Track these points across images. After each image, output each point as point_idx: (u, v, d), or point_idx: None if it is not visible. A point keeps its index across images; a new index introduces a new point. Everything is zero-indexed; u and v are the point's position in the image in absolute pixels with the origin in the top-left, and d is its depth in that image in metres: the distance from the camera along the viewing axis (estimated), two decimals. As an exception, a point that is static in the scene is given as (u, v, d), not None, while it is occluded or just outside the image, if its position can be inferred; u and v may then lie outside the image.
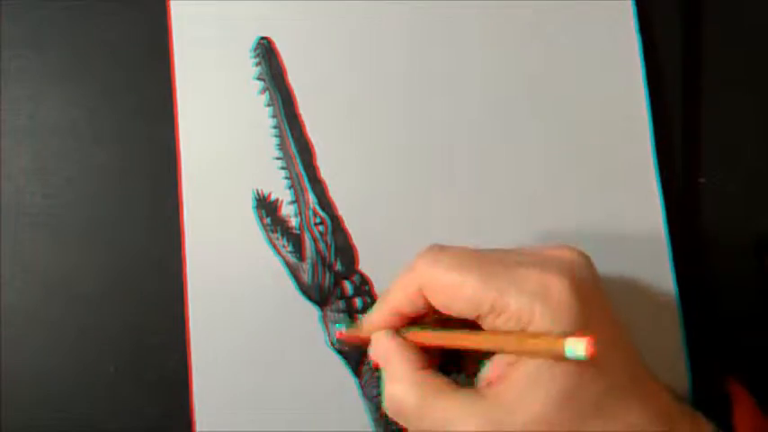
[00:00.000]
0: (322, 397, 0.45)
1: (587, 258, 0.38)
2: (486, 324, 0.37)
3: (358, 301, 0.46)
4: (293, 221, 0.47)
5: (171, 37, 0.48)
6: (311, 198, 0.47)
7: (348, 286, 0.46)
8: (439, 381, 0.37)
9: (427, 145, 0.48)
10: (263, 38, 0.48)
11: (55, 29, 0.49)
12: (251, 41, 0.48)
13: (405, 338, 0.40)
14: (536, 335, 0.34)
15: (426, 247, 0.39)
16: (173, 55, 0.48)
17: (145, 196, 0.47)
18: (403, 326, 0.41)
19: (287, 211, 0.47)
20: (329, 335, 0.46)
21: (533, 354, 0.34)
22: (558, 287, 0.35)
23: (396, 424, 0.42)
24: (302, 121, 0.47)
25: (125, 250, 0.47)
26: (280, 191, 0.47)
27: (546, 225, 0.47)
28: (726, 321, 0.47)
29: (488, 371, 0.37)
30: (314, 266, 0.46)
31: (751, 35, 0.51)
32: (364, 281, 0.46)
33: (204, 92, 0.48)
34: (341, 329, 0.45)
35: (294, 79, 0.48)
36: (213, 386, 0.45)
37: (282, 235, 0.46)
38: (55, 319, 0.47)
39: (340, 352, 0.46)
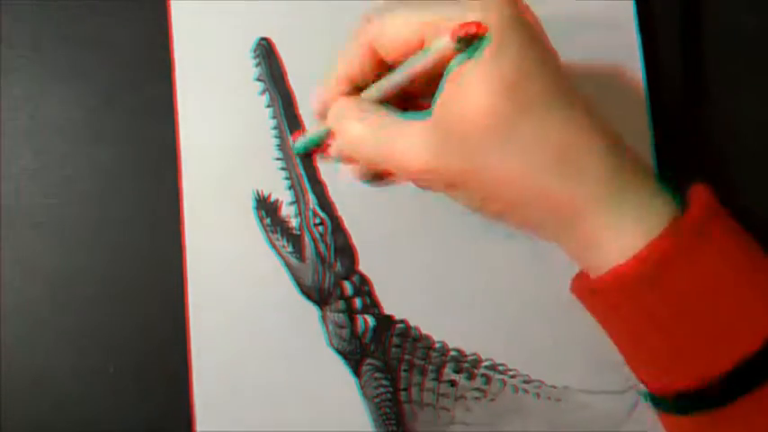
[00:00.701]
0: (322, 397, 0.46)
1: None
2: None
3: (358, 302, 0.46)
4: (293, 222, 0.47)
5: (171, 37, 0.48)
6: (311, 199, 0.47)
7: (348, 286, 0.46)
8: (391, 114, 0.38)
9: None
10: (263, 39, 0.48)
11: (55, 29, 0.49)
12: (251, 42, 0.48)
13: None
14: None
15: None
16: (173, 55, 0.48)
17: (145, 196, 0.48)
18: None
19: (287, 211, 0.47)
20: (329, 335, 0.46)
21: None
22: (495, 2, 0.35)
23: (393, 418, 0.43)
24: (302, 122, 0.47)
25: (125, 250, 0.47)
26: (280, 192, 0.47)
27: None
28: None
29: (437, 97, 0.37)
30: (314, 267, 0.46)
31: (751, 35, 0.51)
32: (364, 281, 0.46)
33: (205, 93, 0.48)
34: (301, 140, 0.46)
35: (294, 80, 0.48)
36: (213, 386, 0.45)
37: (282, 235, 0.46)
38: (55, 319, 0.47)
39: (340, 352, 0.46)
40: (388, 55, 0.38)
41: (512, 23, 0.35)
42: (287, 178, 0.47)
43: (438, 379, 0.46)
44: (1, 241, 0.47)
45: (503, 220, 0.38)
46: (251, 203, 0.47)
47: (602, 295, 0.36)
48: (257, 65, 0.48)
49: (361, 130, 0.38)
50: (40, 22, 0.49)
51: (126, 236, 0.47)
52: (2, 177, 0.48)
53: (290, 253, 0.46)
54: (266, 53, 0.48)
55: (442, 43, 0.35)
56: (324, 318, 0.46)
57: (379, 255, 0.47)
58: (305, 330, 0.46)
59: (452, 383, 0.46)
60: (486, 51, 0.34)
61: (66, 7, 0.49)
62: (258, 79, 0.48)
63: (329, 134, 0.41)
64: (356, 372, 0.46)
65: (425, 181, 0.38)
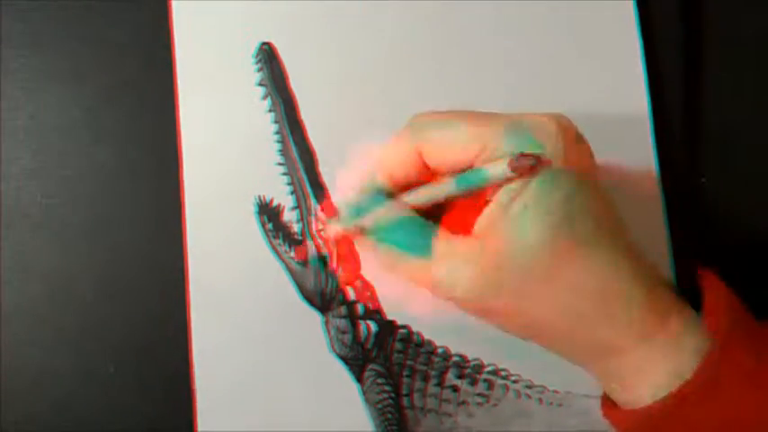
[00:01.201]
0: (324, 402, 0.46)
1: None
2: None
3: (360, 307, 0.46)
4: (295, 227, 0.47)
5: (173, 40, 0.48)
6: (313, 204, 0.47)
7: (350, 292, 0.46)
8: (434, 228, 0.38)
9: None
10: (264, 43, 0.48)
11: (55, 29, 0.48)
12: (253, 46, 0.48)
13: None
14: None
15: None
16: (174, 57, 0.47)
17: (145, 197, 0.47)
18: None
19: (289, 216, 0.47)
20: (331, 340, 0.46)
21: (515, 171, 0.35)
22: (552, 126, 0.36)
23: (395, 424, 0.43)
24: (304, 127, 0.47)
25: (125, 250, 0.47)
26: (282, 197, 0.47)
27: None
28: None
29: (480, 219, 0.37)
30: (316, 272, 0.46)
31: (751, 35, 0.50)
32: (366, 287, 0.46)
33: (206, 97, 0.48)
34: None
35: (296, 85, 0.48)
36: (215, 390, 0.45)
37: (284, 241, 0.46)
38: (55, 319, 0.47)
39: (342, 357, 0.46)
40: (435, 164, 0.38)
41: (567, 158, 0.36)
42: (289, 183, 0.47)
43: (440, 384, 0.46)
44: (1, 241, 0.47)
45: (532, 342, 0.39)
46: (253, 208, 0.47)
47: (631, 426, 0.37)
48: (259, 69, 0.48)
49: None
50: (40, 22, 0.48)
51: (126, 236, 0.47)
52: (2, 177, 0.47)
53: (292, 258, 0.46)
54: (268, 57, 0.48)
55: (499, 171, 0.35)
56: (326, 323, 0.46)
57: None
58: (307, 336, 0.46)
59: (455, 389, 0.46)
60: (539, 186, 0.35)
61: (66, 7, 0.48)
62: (260, 84, 0.47)
63: (360, 228, 0.41)
64: (358, 377, 0.46)
65: (461, 306, 0.38)
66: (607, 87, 0.49)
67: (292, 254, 0.46)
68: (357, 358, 0.46)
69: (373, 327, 0.46)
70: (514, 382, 0.46)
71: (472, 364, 0.46)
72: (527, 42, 0.49)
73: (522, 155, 0.34)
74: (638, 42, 0.49)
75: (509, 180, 0.35)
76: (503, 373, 0.46)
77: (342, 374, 0.46)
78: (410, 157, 0.39)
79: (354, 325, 0.46)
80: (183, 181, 0.47)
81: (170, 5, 0.48)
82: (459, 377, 0.46)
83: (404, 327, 0.46)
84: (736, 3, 0.51)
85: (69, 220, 0.47)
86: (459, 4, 0.49)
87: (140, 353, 0.46)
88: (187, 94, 0.47)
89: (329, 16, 0.48)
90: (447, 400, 0.46)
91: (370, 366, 0.46)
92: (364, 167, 0.42)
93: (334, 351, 0.46)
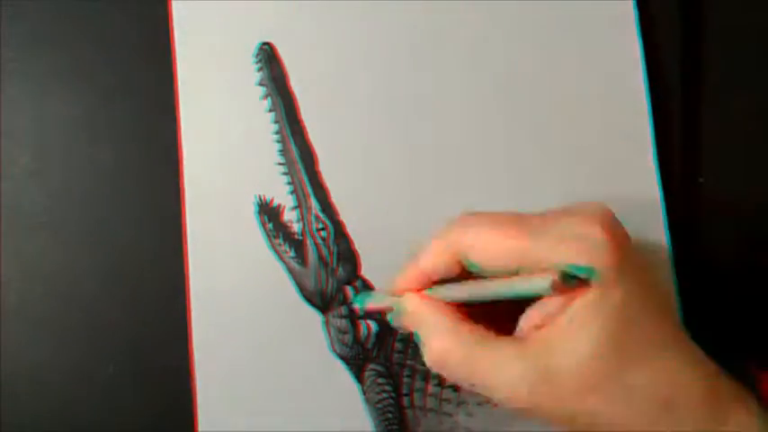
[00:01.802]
0: (324, 402, 0.45)
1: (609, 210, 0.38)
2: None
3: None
4: (295, 227, 0.47)
5: (172, 39, 0.48)
6: (313, 204, 0.47)
7: (350, 292, 0.46)
8: (480, 330, 0.37)
9: (430, 149, 0.48)
10: (264, 43, 0.48)
11: (55, 29, 0.48)
12: (253, 46, 0.48)
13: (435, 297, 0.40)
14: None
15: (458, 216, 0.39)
16: (174, 57, 0.47)
17: (146, 197, 0.47)
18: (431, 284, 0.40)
19: (289, 216, 0.47)
20: (331, 340, 0.46)
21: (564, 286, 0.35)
22: (597, 232, 0.35)
23: (396, 423, 0.43)
24: (304, 127, 0.47)
25: (125, 250, 0.47)
26: (282, 196, 0.47)
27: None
28: (726, 320, 0.47)
29: (526, 321, 0.37)
30: (316, 272, 0.46)
31: (751, 35, 0.50)
32: (367, 286, 0.46)
33: (206, 97, 0.48)
34: (365, 300, 0.44)
35: (296, 85, 0.48)
36: (215, 390, 0.45)
37: (285, 241, 0.46)
38: (55, 319, 0.47)
39: (342, 357, 0.46)
40: (475, 268, 0.38)
41: (619, 268, 0.35)
42: (289, 183, 0.47)
43: (440, 384, 0.46)
44: (1, 241, 0.47)
45: None
46: (253, 208, 0.47)
47: None
48: (259, 69, 0.48)
49: (450, 344, 0.37)
50: (40, 22, 0.48)
51: (126, 236, 0.47)
52: (2, 177, 0.47)
53: (292, 258, 0.46)
54: (268, 57, 0.48)
55: (544, 285, 0.34)
56: (326, 323, 0.46)
57: (382, 260, 0.46)
58: (307, 335, 0.46)
59: (455, 389, 0.46)
60: (591, 297, 0.35)
61: (66, 7, 0.48)
62: (260, 84, 0.47)
63: (400, 320, 0.40)
64: (358, 377, 0.46)
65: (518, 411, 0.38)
66: (607, 87, 0.49)
67: (292, 254, 0.46)
68: (357, 358, 0.46)
69: (373, 326, 0.46)
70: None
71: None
72: (526, 42, 0.49)
73: (565, 278, 0.34)
74: (638, 42, 0.49)
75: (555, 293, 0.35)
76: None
77: (342, 374, 0.46)
78: (448, 257, 0.39)
79: (354, 325, 0.46)
80: (183, 181, 0.47)
81: (170, 5, 0.48)
82: None
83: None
84: (737, 2, 0.50)
85: (69, 220, 0.47)
86: (459, 4, 0.49)
87: (140, 353, 0.46)
88: (187, 94, 0.47)
89: (330, 16, 0.48)
90: (447, 400, 0.46)
91: (371, 366, 0.46)
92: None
93: (335, 351, 0.46)
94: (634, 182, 0.48)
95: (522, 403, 0.36)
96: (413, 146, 0.48)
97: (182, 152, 0.47)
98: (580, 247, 0.35)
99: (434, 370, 0.39)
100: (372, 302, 0.44)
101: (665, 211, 0.47)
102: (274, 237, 0.46)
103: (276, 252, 0.46)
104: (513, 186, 0.48)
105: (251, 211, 0.47)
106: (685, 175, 0.49)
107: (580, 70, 0.49)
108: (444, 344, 0.37)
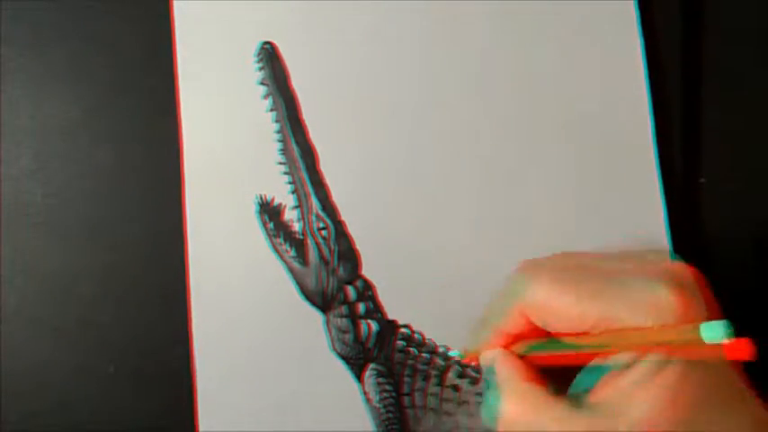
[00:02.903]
0: (324, 402, 0.45)
1: (688, 270, 0.39)
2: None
3: (361, 307, 0.46)
4: (296, 226, 0.47)
5: (174, 39, 0.48)
6: (314, 203, 0.47)
7: (351, 291, 0.46)
8: (547, 392, 0.38)
9: (430, 149, 0.48)
10: (266, 42, 0.48)
11: (55, 29, 0.48)
12: (254, 45, 0.48)
13: (517, 355, 0.41)
14: (667, 328, 0.36)
15: (521, 264, 0.41)
16: (175, 57, 0.47)
17: (146, 197, 0.47)
18: (508, 343, 0.41)
19: (290, 215, 0.47)
20: (332, 340, 0.46)
21: (671, 347, 0.35)
22: (666, 297, 0.36)
23: (396, 423, 0.43)
24: (305, 126, 0.47)
25: (126, 251, 0.47)
26: (283, 196, 0.47)
27: (548, 225, 0.47)
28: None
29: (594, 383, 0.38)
30: (317, 272, 0.46)
31: (751, 35, 0.50)
32: (367, 286, 0.46)
33: (207, 96, 0.48)
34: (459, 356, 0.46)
35: (297, 84, 0.48)
36: (215, 389, 0.45)
37: (285, 240, 0.46)
38: (55, 319, 0.47)
39: (343, 357, 0.46)
40: (548, 328, 0.39)
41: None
42: (290, 182, 0.47)
43: (441, 384, 0.46)
44: (1, 241, 0.47)
45: None
46: (254, 208, 0.47)
47: None
48: (260, 68, 0.48)
49: (521, 407, 0.39)
50: (40, 22, 0.48)
51: (126, 236, 0.47)
52: (2, 177, 0.47)
53: (292, 258, 0.46)
54: (269, 57, 0.48)
55: (623, 362, 0.36)
56: (327, 323, 0.46)
57: (383, 259, 0.46)
58: (307, 335, 0.46)
59: (456, 388, 0.46)
60: (672, 374, 0.35)
61: (66, 7, 0.48)
62: (261, 83, 0.47)
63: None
64: (359, 377, 0.46)
65: None
66: (607, 88, 0.49)
67: (293, 253, 0.46)
68: (358, 358, 0.46)
69: (374, 326, 0.46)
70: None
71: (473, 364, 0.46)
72: (526, 42, 0.49)
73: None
74: (639, 42, 0.49)
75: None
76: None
77: (342, 374, 0.46)
78: (523, 320, 0.40)
79: (355, 324, 0.46)
80: (183, 181, 0.47)
81: (171, 5, 0.48)
82: (460, 377, 0.46)
83: (405, 326, 0.46)
84: (737, 2, 0.51)
85: (69, 220, 0.47)
86: (459, 4, 0.49)
87: (140, 353, 0.46)
88: (187, 94, 0.47)
89: (330, 16, 0.48)
90: (448, 400, 0.46)
91: (371, 366, 0.46)
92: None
93: (335, 350, 0.46)
94: (634, 182, 0.48)
95: None
96: (414, 145, 0.48)
97: (182, 152, 0.47)
98: (655, 315, 0.36)
99: (503, 429, 0.40)
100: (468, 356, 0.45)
101: (665, 211, 0.47)
102: (275, 236, 0.46)
103: (277, 252, 0.46)
104: (512, 186, 0.48)
105: (252, 210, 0.47)
106: (685, 175, 0.49)
107: (580, 70, 0.49)
108: (513, 405, 0.39)
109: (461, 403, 0.46)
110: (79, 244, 0.47)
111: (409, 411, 0.46)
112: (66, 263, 0.47)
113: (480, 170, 0.48)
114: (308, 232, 0.47)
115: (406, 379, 0.46)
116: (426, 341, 0.46)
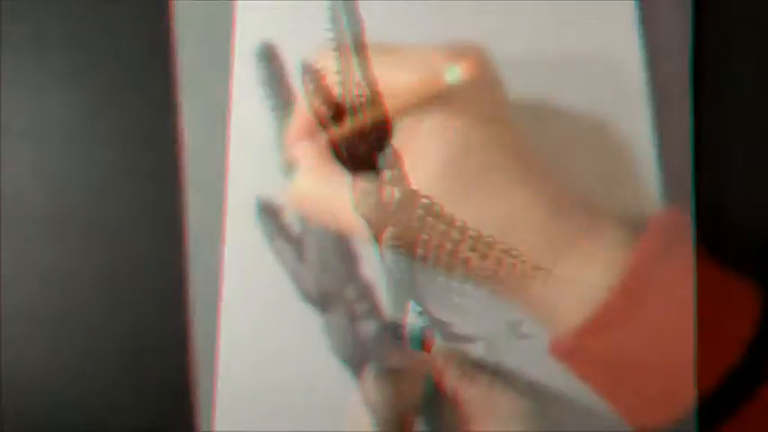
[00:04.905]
0: (323, 402, 0.45)
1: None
2: None
3: (360, 307, 0.46)
4: (296, 227, 0.47)
5: (173, 38, 0.48)
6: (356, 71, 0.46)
7: (350, 291, 0.46)
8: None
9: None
10: (266, 42, 0.48)
11: (55, 29, 0.48)
12: (254, 45, 0.48)
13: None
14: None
15: None
16: (175, 56, 0.48)
17: (146, 196, 0.47)
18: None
19: (288, 215, 0.47)
20: (331, 340, 0.46)
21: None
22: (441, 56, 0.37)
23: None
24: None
25: (125, 250, 0.47)
26: (283, 195, 0.47)
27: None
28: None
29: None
30: (317, 272, 0.46)
31: (751, 35, 0.50)
32: (366, 285, 0.46)
33: (206, 97, 0.48)
34: None
35: (297, 84, 0.48)
36: (215, 390, 0.45)
37: (285, 240, 0.46)
38: (55, 318, 0.47)
39: (342, 357, 0.46)
40: None
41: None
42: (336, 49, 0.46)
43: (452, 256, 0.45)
44: (1, 240, 0.47)
45: None
46: (254, 207, 0.47)
47: (567, 352, 0.38)
48: (260, 68, 0.48)
49: (314, 176, 0.40)
50: (40, 22, 0.48)
51: (126, 236, 0.47)
52: (2, 177, 0.47)
53: (292, 258, 0.46)
54: (269, 56, 0.48)
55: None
56: (326, 323, 0.46)
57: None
58: (306, 335, 0.46)
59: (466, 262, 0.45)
60: (434, 125, 0.37)
61: (66, 7, 0.49)
62: (261, 82, 0.48)
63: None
64: (358, 377, 0.46)
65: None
66: (607, 88, 0.49)
67: (293, 253, 0.46)
68: (357, 358, 0.46)
69: (374, 326, 0.46)
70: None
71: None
72: (526, 42, 0.49)
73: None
74: (640, 42, 0.49)
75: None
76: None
77: (341, 374, 0.46)
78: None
79: (355, 324, 0.46)
80: (183, 181, 0.47)
81: (171, 5, 0.48)
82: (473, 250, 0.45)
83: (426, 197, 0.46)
84: (738, 2, 0.51)
85: (69, 220, 0.47)
86: (459, 4, 0.49)
87: (140, 353, 0.47)
88: (188, 94, 0.47)
89: (330, 16, 0.48)
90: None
91: (371, 366, 0.46)
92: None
93: (334, 350, 0.46)
94: (634, 182, 0.48)
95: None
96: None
97: (182, 152, 0.47)
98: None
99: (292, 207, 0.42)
100: None
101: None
102: (275, 237, 0.46)
103: (277, 252, 0.46)
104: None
105: (252, 209, 0.47)
106: (686, 174, 0.49)
107: (580, 70, 0.49)
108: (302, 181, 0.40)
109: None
110: (79, 244, 0.47)
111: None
112: (66, 263, 0.47)
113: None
114: (347, 97, 0.45)
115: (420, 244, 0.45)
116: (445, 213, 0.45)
